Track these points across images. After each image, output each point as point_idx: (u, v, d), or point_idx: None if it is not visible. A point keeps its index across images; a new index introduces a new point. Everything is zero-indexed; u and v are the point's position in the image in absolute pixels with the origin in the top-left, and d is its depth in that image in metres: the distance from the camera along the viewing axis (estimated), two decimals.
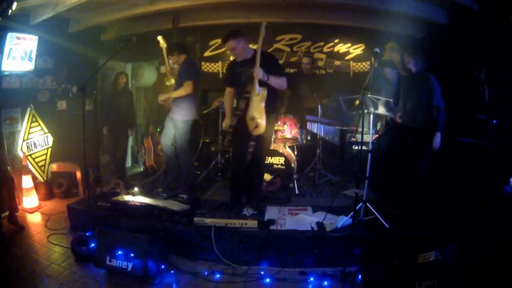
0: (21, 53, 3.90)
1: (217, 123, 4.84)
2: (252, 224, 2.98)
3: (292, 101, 5.02)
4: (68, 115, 4.91)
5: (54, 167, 4.62)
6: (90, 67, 5.04)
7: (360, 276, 2.62)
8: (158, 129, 5.25)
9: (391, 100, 3.54)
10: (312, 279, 2.66)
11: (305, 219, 3.25)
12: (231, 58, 3.56)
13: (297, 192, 4.16)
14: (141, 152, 5.65)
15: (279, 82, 3.27)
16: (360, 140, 3.28)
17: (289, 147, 4.53)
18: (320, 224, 3.07)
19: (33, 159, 4.37)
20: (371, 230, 3.01)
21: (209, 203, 3.71)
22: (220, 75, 5.68)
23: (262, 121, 3.22)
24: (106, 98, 5.35)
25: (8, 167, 3.78)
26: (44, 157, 4.55)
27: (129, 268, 2.65)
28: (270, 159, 4.17)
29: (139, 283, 2.62)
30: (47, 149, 4.59)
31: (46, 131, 4.55)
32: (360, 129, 2.78)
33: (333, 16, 4.89)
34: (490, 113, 3.62)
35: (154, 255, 2.66)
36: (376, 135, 4.24)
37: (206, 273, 2.75)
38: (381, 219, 3.03)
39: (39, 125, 4.46)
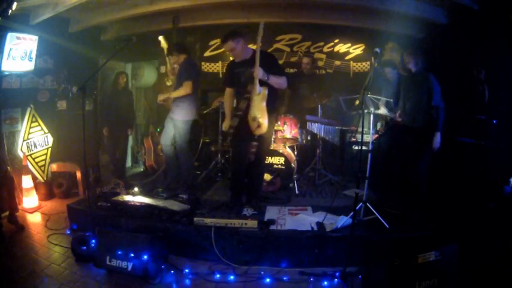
0: (21, 53, 3.90)
1: (217, 123, 4.84)
2: (252, 224, 2.98)
3: (292, 101, 5.03)
4: (68, 115, 4.91)
5: (54, 167, 4.62)
6: (90, 67, 5.04)
7: (359, 276, 2.62)
8: (158, 129, 5.25)
9: (391, 100, 3.54)
10: (312, 279, 2.66)
11: (305, 219, 3.25)
12: (231, 58, 3.56)
13: (297, 192, 4.16)
14: (141, 152, 5.65)
15: (279, 81, 3.27)
16: (360, 140, 3.29)
17: (289, 147, 4.53)
18: (320, 224, 3.07)
19: (33, 159, 4.37)
20: (371, 230, 3.01)
21: (209, 203, 3.71)
22: (220, 75, 5.68)
23: (264, 121, 3.22)
24: (106, 97, 5.34)
25: (8, 167, 3.78)
26: (44, 157, 4.55)
27: (129, 268, 2.65)
28: (270, 159, 4.17)
29: (139, 283, 2.62)
30: (47, 149, 4.60)
31: (46, 131, 4.55)
32: (360, 129, 2.78)
33: (333, 16, 4.88)
34: (490, 113, 3.62)
35: (154, 255, 2.66)
36: (376, 135, 4.23)
37: (206, 273, 2.75)
38: (381, 219, 3.03)
39: (39, 125, 4.46)
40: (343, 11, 4.79)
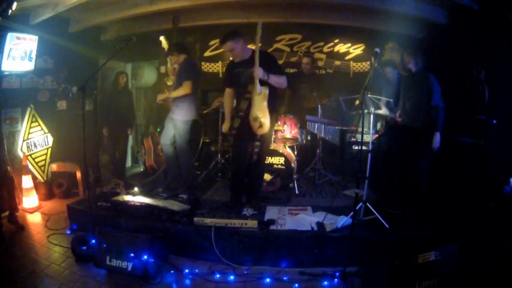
0: (21, 53, 3.90)
1: (217, 123, 4.84)
2: (252, 224, 2.98)
3: (292, 101, 5.03)
4: (68, 115, 4.90)
5: (54, 167, 4.62)
6: (90, 67, 5.03)
7: (360, 276, 2.62)
8: (158, 129, 5.25)
9: (391, 100, 3.54)
10: (312, 279, 2.66)
11: (305, 219, 3.25)
12: (231, 58, 3.56)
13: (297, 192, 4.15)
14: (141, 152, 5.64)
15: (279, 81, 3.27)
16: (360, 140, 3.29)
17: (289, 147, 4.53)
18: (320, 224, 3.07)
19: (33, 159, 4.37)
20: (371, 230, 3.01)
21: (209, 203, 3.71)
22: (220, 75, 5.68)
23: (266, 120, 3.23)
24: (106, 97, 5.34)
25: (8, 167, 3.78)
26: (44, 157, 4.54)
27: (129, 268, 2.65)
28: (270, 159, 4.17)
29: (139, 283, 2.62)
30: (47, 149, 4.59)
31: (46, 131, 4.55)
32: (360, 129, 2.78)
33: (333, 16, 4.88)
34: (490, 113, 3.62)
35: (154, 255, 2.66)
36: (376, 135, 4.24)
37: (206, 273, 2.75)
38: (381, 219, 3.03)
39: (39, 125, 4.46)
40: (343, 11, 4.79)
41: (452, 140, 3.79)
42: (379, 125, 4.34)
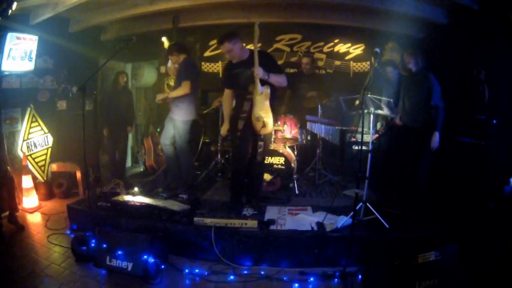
0: (21, 53, 3.90)
1: (217, 123, 4.84)
2: (252, 224, 2.98)
3: (292, 101, 5.03)
4: (68, 115, 4.90)
5: (54, 167, 4.62)
6: (90, 67, 5.03)
7: (359, 276, 2.62)
8: (158, 129, 5.25)
9: (392, 100, 3.54)
10: (312, 279, 2.66)
11: (305, 219, 3.25)
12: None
13: (297, 192, 4.15)
14: (141, 152, 5.65)
15: (279, 80, 3.27)
16: (360, 140, 3.29)
17: (289, 147, 4.53)
18: (320, 224, 3.07)
19: (33, 159, 4.37)
20: (371, 230, 3.01)
21: (209, 203, 3.71)
22: (220, 75, 5.67)
23: (269, 120, 3.23)
24: (106, 97, 5.35)
25: (8, 167, 3.78)
26: (44, 157, 4.54)
27: (129, 268, 2.65)
28: (270, 159, 4.17)
29: (139, 283, 2.62)
30: (47, 149, 4.59)
31: (46, 131, 4.55)
32: (360, 129, 2.78)
33: (333, 16, 4.88)
34: (490, 113, 3.62)
35: (154, 255, 2.66)
36: (376, 135, 4.24)
37: (206, 273, 2.74)
38: (381, 219, 3.03)
39: (39, 125, 4.46)
40: (343, 11, 4.79)
41: (452, 140, 3.79)
42: (379, 125, 4.34)
